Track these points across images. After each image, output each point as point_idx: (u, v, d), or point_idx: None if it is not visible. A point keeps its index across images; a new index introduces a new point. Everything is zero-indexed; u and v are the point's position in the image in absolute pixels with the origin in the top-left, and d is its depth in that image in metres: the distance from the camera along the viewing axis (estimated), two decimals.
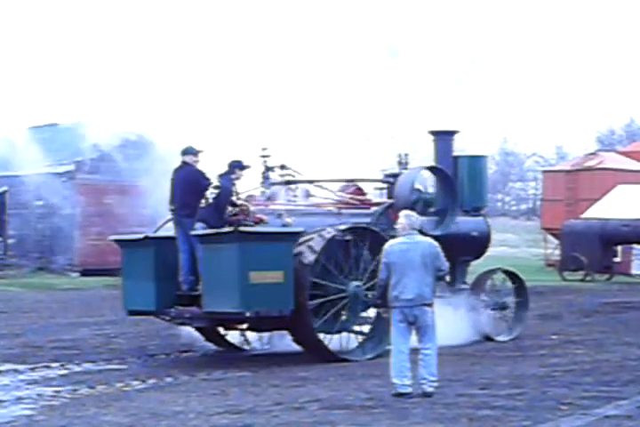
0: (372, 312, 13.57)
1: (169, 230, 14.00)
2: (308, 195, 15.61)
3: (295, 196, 15.40)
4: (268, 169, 15.24)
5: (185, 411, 9.46)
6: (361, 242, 13.54)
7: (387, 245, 10.27)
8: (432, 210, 15.24)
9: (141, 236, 14.00)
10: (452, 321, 14.54)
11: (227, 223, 13.16)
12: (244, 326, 13.77)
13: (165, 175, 14.14)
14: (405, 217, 10.33)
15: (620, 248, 34.51)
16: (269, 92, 20.86)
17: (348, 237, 13.47)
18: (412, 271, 9.91)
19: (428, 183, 15.61)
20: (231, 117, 20.23)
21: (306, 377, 11.64)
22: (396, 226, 10.46)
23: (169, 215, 13.93)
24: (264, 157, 15.20)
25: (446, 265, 10.29)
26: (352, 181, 16.09)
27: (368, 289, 13.30)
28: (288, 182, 15.43)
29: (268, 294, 12.41)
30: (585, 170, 39.50)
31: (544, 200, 43.05)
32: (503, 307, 15.78)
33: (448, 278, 15.69)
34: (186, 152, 13.76)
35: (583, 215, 35.17)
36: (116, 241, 14.54)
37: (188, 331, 14.90)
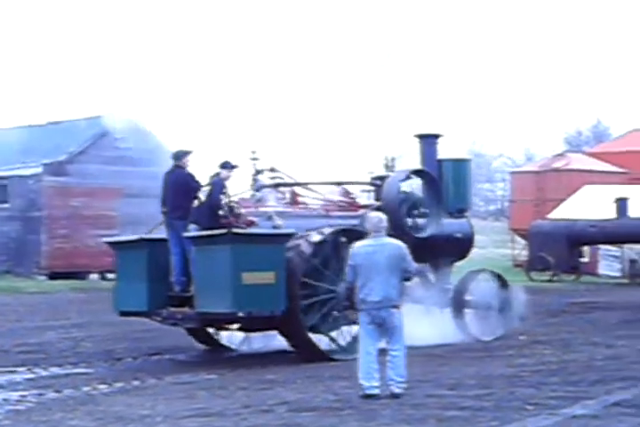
0: None
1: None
2: (294, 194, 15.73)
3: (284, 198, 15.54)
4: (258, 172, 15.40)
5: (152, 415, 9.41)
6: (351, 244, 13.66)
7: (353, 248, 10.27)
8: (418, 212, 15.50)
9: (135, 237, 14.23)
10: (437, 321, 14.94)
11: (220, 222, 13.31)
12: (236, 326, 14.03)
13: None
14: (373, 218, 10.34)
15: (586, 248, 34.72)
16: (259, 96, 20.94)
17: (342, 239, 13.58)
18: (377, 273, 9.90)
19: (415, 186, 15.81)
20: (221, 121, 20.32)
21: (274, 380, 11.62)
22: (366, 226, 10.48)
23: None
24: (254, 159, 15.36)
25: (413, 266, 10.30)
26: (340, 183, 16.29)
27: None
28: (278, 185, 15.59)
29: (260, 294, 12.67)
30: (552, 171, 39.75)
31: (512, 201, 43.26)
32: (487, 307, 15.88)
33: (433, 279, 15.93)
34: (177, 155, 14.06)
35: (550, 216, 35.37)
36: (110, 243, 14.82)
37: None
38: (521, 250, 38.33)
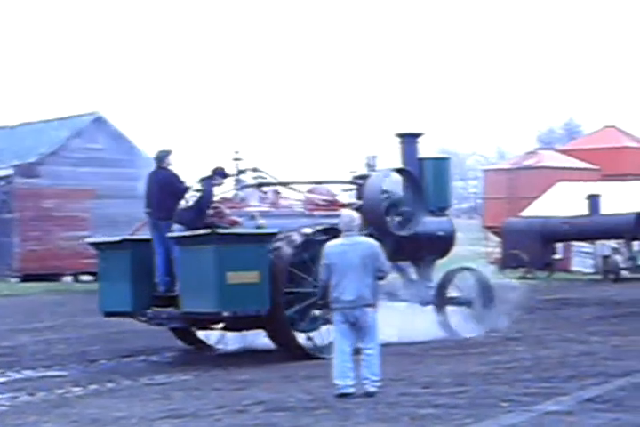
0: None
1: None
2: (277, 194, 15.77)
3: (266, 198, 15.59)
4: (241, 172, 15.47)
5: (127, 416, 9.39)
6: None
7: (326, 247, 10.27)
8: (400, 211, 15.58)
9: (118, 238, 14.29)
10: (419, 318, 15.08)
11: (205, 225, 13.40)
12: (220, 325, 14.08)
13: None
14: (345, 217, 10.33)
15: (559, 245, 34.89)
16: (241, 97, 21.05)
17: (323, 237, 13.66)
18: (351, 272, 9.90)
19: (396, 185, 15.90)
20: (203, 121, 20.43)
21: (248, 380, 11.61)
22: (338, 225, 10.48)
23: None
24: (236, 159, 15.45)
25: (387, 265, 10.31)
26: (322, 182, 16.35)
27: None
28: (260, 185, 15.66)
29: (245, 294, 12.75)
30: (524, 168, 39.95)
31: (485, 199, 43.42)
32: (468, 304, 15.96)
33: (414, 277, 16.02)
34: (159, 157, 14.19)
35: (523, 213, 35.53)
36: (93, 244, 14.90)
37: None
38: (494, 247, 38.47)
